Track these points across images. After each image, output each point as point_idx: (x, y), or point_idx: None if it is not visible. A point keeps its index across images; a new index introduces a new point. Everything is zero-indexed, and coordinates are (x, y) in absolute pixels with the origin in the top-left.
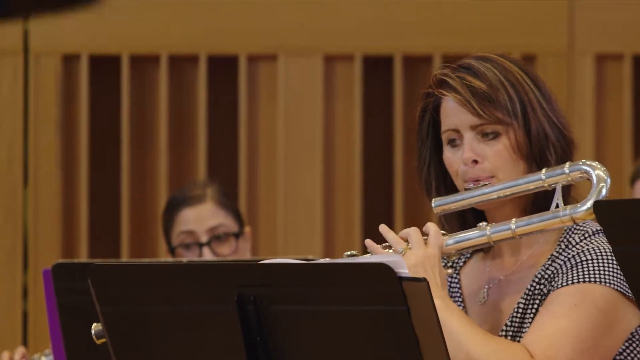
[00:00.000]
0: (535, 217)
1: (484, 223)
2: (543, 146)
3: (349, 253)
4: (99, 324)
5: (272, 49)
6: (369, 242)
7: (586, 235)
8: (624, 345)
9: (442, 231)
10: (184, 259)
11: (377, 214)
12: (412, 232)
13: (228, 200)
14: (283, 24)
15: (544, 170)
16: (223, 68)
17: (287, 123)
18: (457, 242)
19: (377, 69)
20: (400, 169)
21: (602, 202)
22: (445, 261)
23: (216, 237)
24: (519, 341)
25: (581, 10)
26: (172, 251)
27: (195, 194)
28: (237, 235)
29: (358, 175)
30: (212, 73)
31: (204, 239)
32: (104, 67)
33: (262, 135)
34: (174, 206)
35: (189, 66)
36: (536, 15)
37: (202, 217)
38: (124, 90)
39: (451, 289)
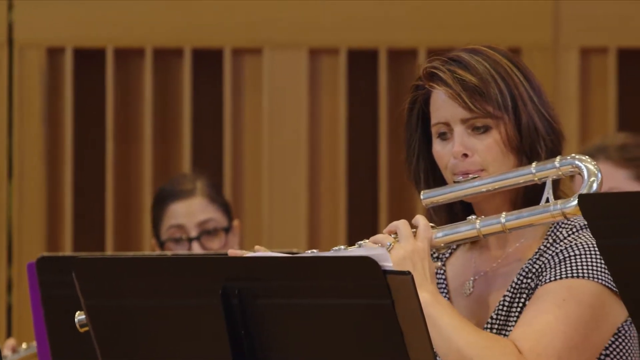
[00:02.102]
0: (525, 212)
1: (474, 216)
2: (533, 139)
3: (336, 248)
4: (82, 312)
5: (257, 43)
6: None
7: (574, 229)
8: (610, 339)
9: (431, 224)
10: (169, 252)
11: (362, 206)
12: (401, 224)
13: (217, 194)
14: (268, 17)
15: (534, 164)
16: (208, 61)
17: (272, 117)
18: (446, 235)
19: (362, 62)
20: (385, 162)
21: (587, 196)
22: (435, 254)
23: (206, 232)
24: (504, 335)
25: (566, 4)
26: (161, 245)
27: (184, 188)
28: (227, 230)
29: (343, 168)
30: (197, 66)
31: (193, 233)
32: (89, 60)
33: (247, 129)
34: (163, 199)
35: (174, 59)
36: (521, 9)
37: (192, 211)
38: (109, 83)
39: (436, 280)
